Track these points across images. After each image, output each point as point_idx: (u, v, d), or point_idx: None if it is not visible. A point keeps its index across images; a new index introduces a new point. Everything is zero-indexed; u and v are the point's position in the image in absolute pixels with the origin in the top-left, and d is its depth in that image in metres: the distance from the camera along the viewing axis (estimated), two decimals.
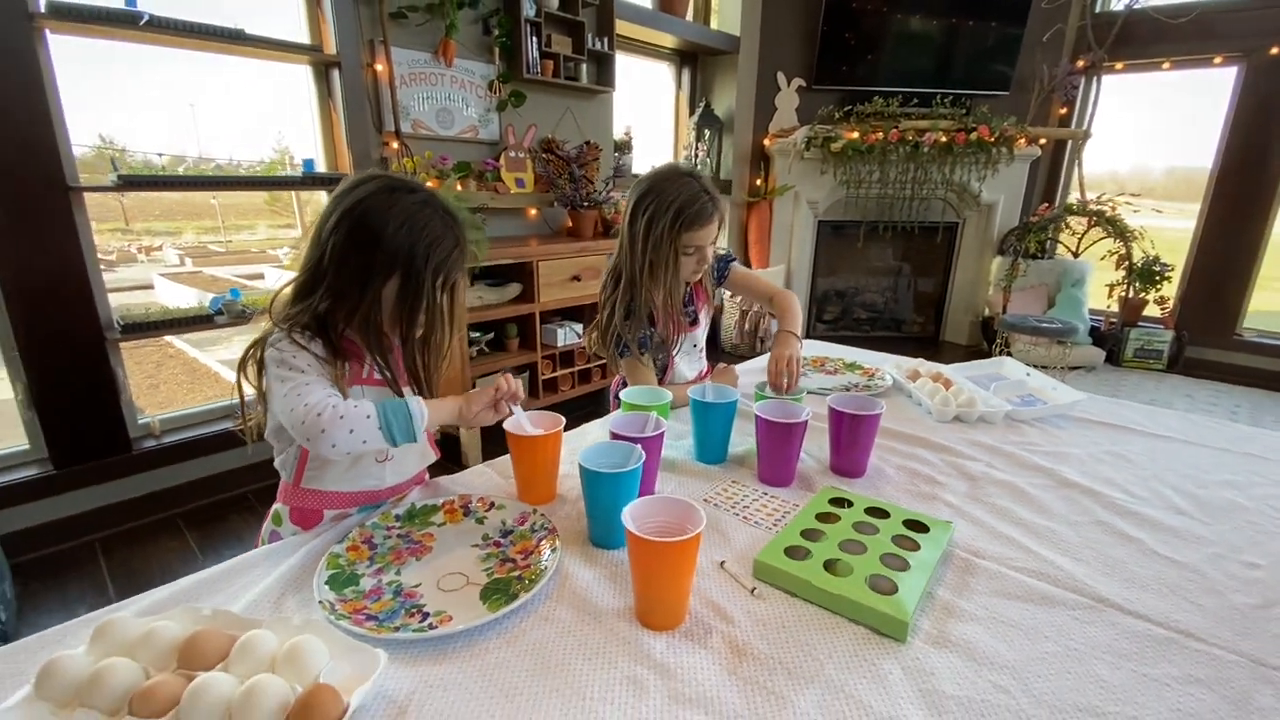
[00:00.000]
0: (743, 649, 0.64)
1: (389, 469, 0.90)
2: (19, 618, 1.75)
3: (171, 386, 4.90)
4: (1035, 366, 3.83)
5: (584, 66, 3.16)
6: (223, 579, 0.73)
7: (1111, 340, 4.17)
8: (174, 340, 5.43)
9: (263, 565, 0.76)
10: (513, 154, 2.96)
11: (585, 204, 3.13)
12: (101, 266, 2.12)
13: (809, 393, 1.34)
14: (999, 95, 4.29)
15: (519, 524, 0.84)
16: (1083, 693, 0.60)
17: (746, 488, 0.99)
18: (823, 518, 0.85)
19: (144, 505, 2.21)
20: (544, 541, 0.79)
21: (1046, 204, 4.47)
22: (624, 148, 3.68)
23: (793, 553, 0.77)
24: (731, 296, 4.17)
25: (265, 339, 0.81)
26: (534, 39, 2.87)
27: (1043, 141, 4.28)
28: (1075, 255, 4.49)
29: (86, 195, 2.00)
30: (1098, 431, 1.23)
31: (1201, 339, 4.15)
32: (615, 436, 0.89)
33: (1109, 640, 0.67)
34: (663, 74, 4.28)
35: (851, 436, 1.01)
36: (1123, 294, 4.21)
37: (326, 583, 0.70)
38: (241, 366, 0.83)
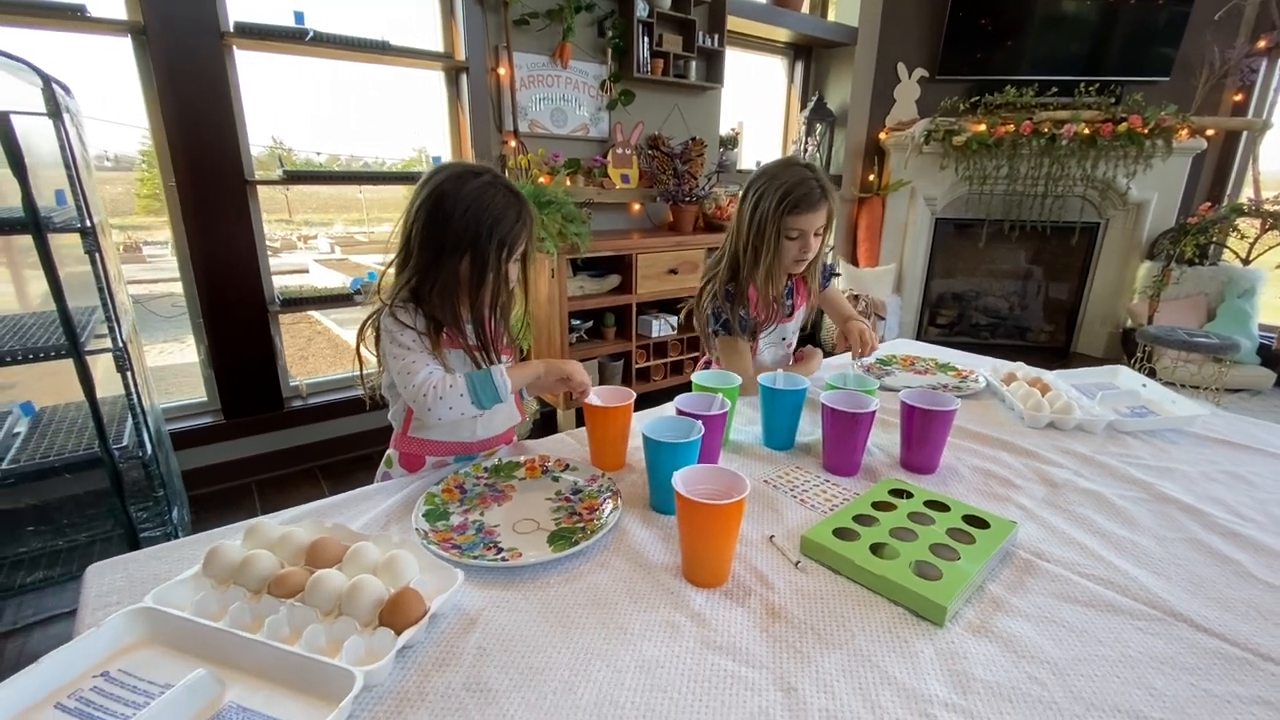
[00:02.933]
0: (778, 611, 0.68)
1: (480, 425, 1.03)
2: None
3: (318, 359, 5.57)
4: (1184, 387, 3.42)
5: (693, 64, 3.22)
6: (344, 504, 0.89)
7: None
8: (321, 318, 6.16)
9: (375, 497, 0.91)
10: (620, 150, 3.08)
11: (687, 199, 3.19)
12: (269, 252, 2.48)
13: (892, 390, 1.33)
14: (1157, 82, 3.84)
15: (589, 485, 0.92)
16: (1127, 696, 0.59)
17: (809, 474, 1.01)
18: (879, 506, 0.86)
19: (291, 456, 2.55)
20: (608, 500, 0.87)
21: (1210, 203, 3.95)
22: (729, 143, 3.70)
23: (842, 534, 0.79)
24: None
25: (379, 313, 0.96)
26: (646, 39, 2.96)
27: (1210, 133, 3.79)
28: (1245, 262, 3.93)
29: (260, 189, 2.35)
30: (1217, 450, 1.12)
31: None
32: (680, 413, 0.95)
33: (1171, 653, 0.64)
34: (774, 68, 4.24)
35: (923, 432, 1.01)
36: None
37: (423, 515, 0.83)
38: (360, 335, 0.98)
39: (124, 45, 2.07)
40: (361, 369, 1.01)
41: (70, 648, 0.58)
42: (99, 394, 1.71)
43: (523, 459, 0.99)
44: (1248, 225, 3.82)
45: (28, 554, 1.90)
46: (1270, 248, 3.80)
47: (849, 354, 1.43)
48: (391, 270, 0.98)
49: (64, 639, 0.58)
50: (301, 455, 2.58)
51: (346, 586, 0.63)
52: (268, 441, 2.51)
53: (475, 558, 0.74)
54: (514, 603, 0.69)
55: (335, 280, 2.76)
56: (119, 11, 2.02)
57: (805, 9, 3.84)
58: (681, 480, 0.72)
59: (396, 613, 0.61)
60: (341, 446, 2.67)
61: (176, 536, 1.92)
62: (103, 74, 2.18)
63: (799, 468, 1.03)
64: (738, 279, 1.32)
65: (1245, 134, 3.90)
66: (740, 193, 1.32)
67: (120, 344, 1.74)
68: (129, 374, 1.79)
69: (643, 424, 0.88)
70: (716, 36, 3.23)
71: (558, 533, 0.81)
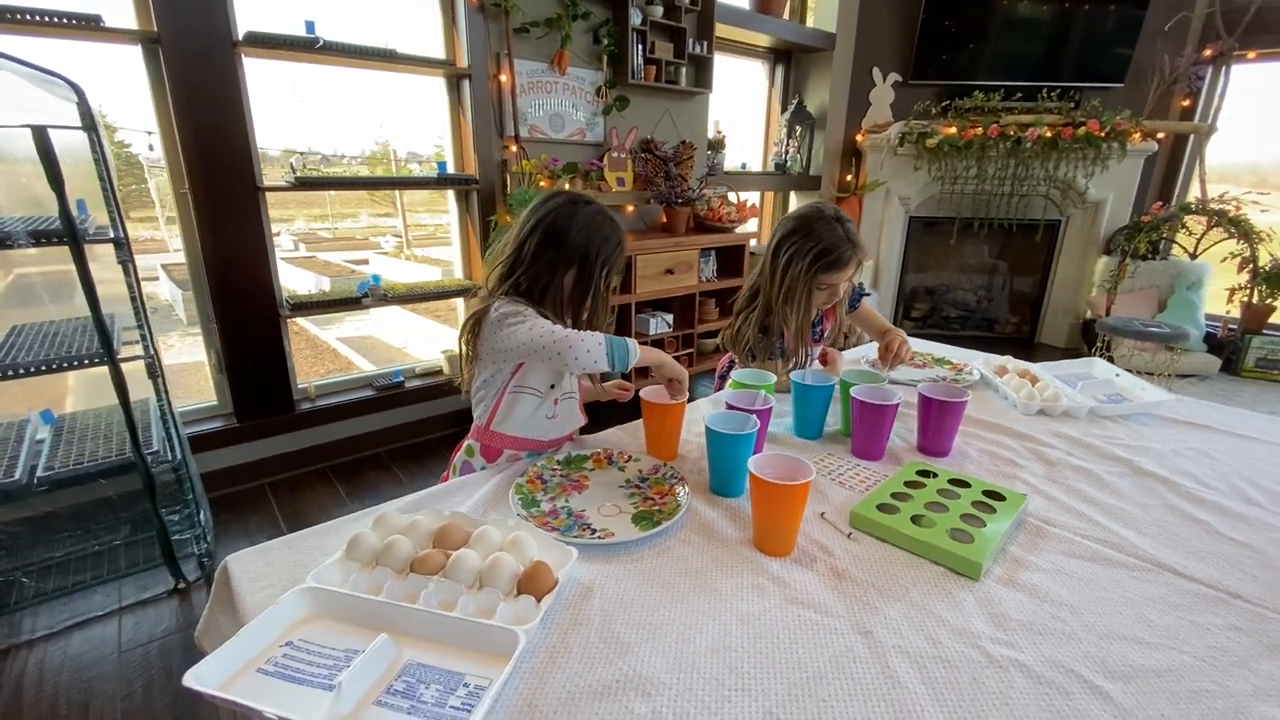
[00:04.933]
0: (842, 573, 0.81)
1: (554, 425, 1.14)
2: (217, 543, 2.15)
3: (299, 360, 5.53)
4: (1140, 373, 3.69)
5: (683, 70, 3.33)
6: (442, 496, 0.98)
7: (1230, 348, 3.93)
8: (299, 319, 6.11)
9: (465, 490, 1.01)
10: (615, 154, 3.18)
11: (679, 201, 3.31)
12: None
13: (898, 383, 1.48)
14: (1112, 88, 4.11)
15: (653, 473, 1.04)
16: (1130, 628, 0.73)
17: (841, 460, 1.15)
18: (910, 484, 1.00)
19: (303, 457, 2.60)
20: (677, 485, 0.99)
21: (1161, 202, 4.24)
22: (717, 146, 3.83)
23: (884, 508, 0.92)
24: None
25: (486, 309, 1.06)
26: (639, 46, 3.06)
27: (1161, 136, 4.07)
28: (1193, 257, 4.25)
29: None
30: (1182, 430, 1.29)
31: None
32: (730, 407, 1.07)
33: (1162, 594, 0.79)
34: (756, 72, 4.38)
35: (939, 421, 1.15)
36: (1245, 299, 3.96)
37: (519, 503, 0.93)
38: (462, 333, 1.09)
39: (131, 53, 2.08)
40: (462, 362, 1.12)
41: (257, 623, 0.67)
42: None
43: (589, 452, 1.10)
44: (1195, 222, 4.13)
45: (59, 559, 1.93)
46: (1215, 243, 4.11)
47: (848, 353, 1.56)
48: (495, 274, 1.10)
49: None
50: (313, 456, 2.63)
51: (486, 562, 0.73)
52: (280, 444, 2.55)
53: (575, 537, 0.85)
54: (619, 574, 0.80)
55: (305, 279, 2.78)
56: (132, 22, 2.03)
57: (786, 15, 3.99)
58: (755, 465, 0.84)
59: (534, 582, 0.72)
60: (351, 447, 2.72)
61: (205, 539, 1.99)
62: (103, 80, 2.19)
63: (831, 454, 1.17)
64: (769, 317, 1.41)
65: (1193, 137, 4.20)
66: (773, 241, 1.37)
67: (152, 352, 1.79)
68: (160, 380, 1.84)
69: (703, 416, 1.00)
70: (705, 44, 3.35)
71: (640, 514, 0.92)
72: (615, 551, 0.85)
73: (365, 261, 8.50)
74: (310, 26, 2.26)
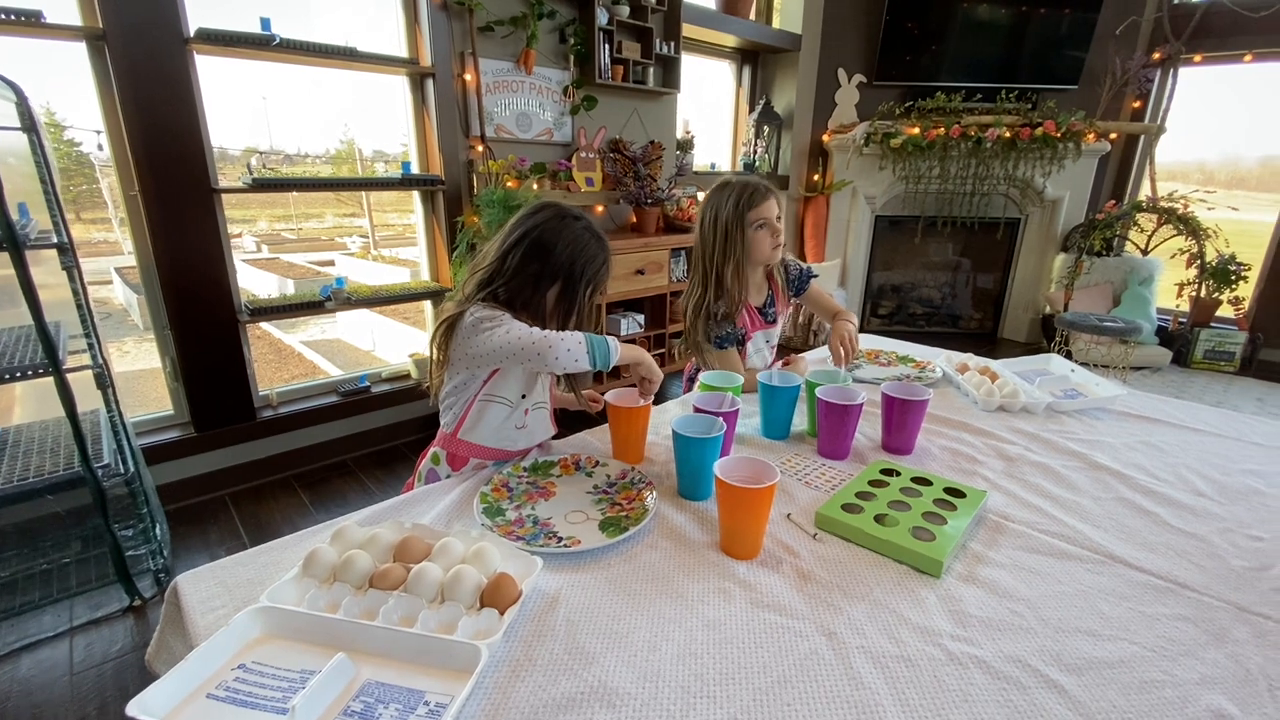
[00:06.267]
0: (807, 575, 0.82)
1: (522, 435, 1.12)
2: (174, 557, 2.08)
3: (261, 365, 5.39)
4: (1096, 366, 3.81)
5: (651, 70, 3.33)
6: (404, 506, 0.96)
7: (1180, 341, 4.09)
8: (263, 323, 5.95)
9: (428, 499, 0.99)
10: (584, 154, 3.17)
11: (649, 201, 3.31)
12: None
13: (863, 382, 1.50)
14: (1067, 89, 4.23)
15: (620, 478, 1.04)
16: (1084, 620, 0.75)
17: (807, 460, 1.16)
18: (874, 483, 1.01)
19: (265, 466, 2.53)
20: (644, 490, 0.98)
21: (1114, 200, 4.39)
22: (686, 146, 3.84)
23: (849, 508, 0.93)
24: (802, 309, 4.30)
25: (460, 314, 1.03)
26: (606, 46, 3.05)
27: (1113, 136, 4.21)
28: (1145, 253, 4.40)
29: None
30: (1134, 424, 1.33)
31: (1279, 340, 4.03)
32: (698, 410, 1.07)
33: (1113, 586, 0.81)
34: (724, 72, 4.40)
35: (901, 419, 1.16)
36: (1194, 293, 4.12)
37: (483, 513, 0.91)
38: (434, 338, 1.06)
39: (77, 50, 2.00)
40: (432, 367, 1.09)
41: (207, 646, 0.65)
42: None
43: (556, 458, 1.09)
44: (1146, 220, 4.28)
45: (5, 578, 1.84)
46: (1165, 239, 4.27)
47: (814, 353, 1.58)
48: (472, 281, 1.08)
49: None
50: (276, 465, 2.56)
51: (448, 575, 0.72)
52: (241, 453, 2.48)
53: (541, 546, 0.84)
54: (585, 582, 0.79)
55: (268, 281, 2.71)
56: (76, 18, 1.95)
57: (752, 16, 4.01)
58: (720, 469, 0.84)
59: (497, 595, 0.71)
60: (316, 455, 2.66)
61: (162, 554, 1.93)
62: (50, 76, 2.10)
63: (797, 454, 1.17)
64: (721, 295, 1.45)
65: (1143, 137, 4.35)
66: (698, 220, 1.47)
67: (101, 361, 1.72)
68: (110, 391, 1.77)
69: (670, 421, 0.99)
70: (672, 44, 3.35)
71: (606, 521, 0.91)
72: (582, 560, 0.84)
73: (331, 263, 8.30)
74: (265, 24, 2.20)
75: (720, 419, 1.01)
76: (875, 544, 0.87)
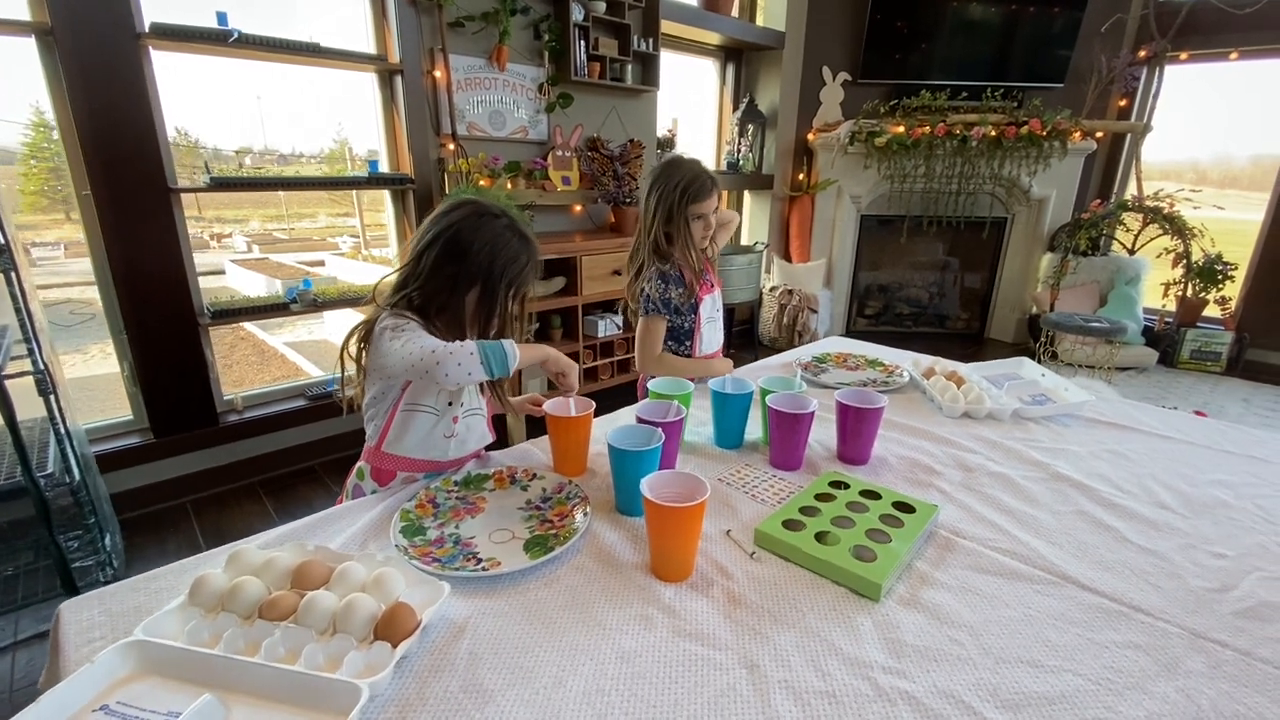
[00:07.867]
0: (738, 599, 0.77)
1: (453, 444, 1.06)
2: (127, 567, 2.02)
3: (244, 367, 5.32)
4: (1082, 367, 3.76)
5: (629, 67, 3.28)
6: (319, 525, 0.91)
7: (1166, 341, 4.05)
8: (245, 324, 5.88)
9: (348, 516, 0.93)
10: (560, 153, 3.11)
11: (627, 200, 3.25)
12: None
13: (826, 387, 1.45)
14: (1053, 88, 4.19)
15: (556, 492, 0.98)
16: (1028, 649, 0.70)
17: (758, 470, 1.10)
18: (821, 497, 0.96)
19: (228, 472, 2.47)
20: (577, 507, 0.93)
21: (1100, 199, 4.35)
22: (667, 144, 3.78)
23: (790, 525, 0.88)
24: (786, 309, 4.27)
25: (374, 320, 0.98)
26: (582, 43, 3.00)
27: (1099, 135, 4.17)
28: (1131, 252, 4.36)
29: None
30: (1103, 430, 1.29)
31: (1265, 340, 4.00)
32: (640, 420, 1.02)
33: (1063, 609, 0.77)
34: (707, 70, 4.35)
35: (856, 427, 1.11)
36: (1180, 293, 4.08)
37: (400, 532, 0.86)
38: (345, 345, 1.01)
39: (26, 45, 1.93)
40: (343, 375, 1.03)
41: (67, 684, 0.59)
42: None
43: (491, 470, 1.04)
44: (1132, 219, 4.24)
45: None
46: (1151, 239, 4.23)
47: (784, 355, 1.56)
48: (388, 283, 1.03)
49: None
50: (240, 471, 2.50)
51: (340, 605, 0.67)
52: (203, 459, 2.42)
53: (456, 569, 0.79)
54: (498, 609, 0.74)
55: (257, 283, 2.66)
56: (22, 12, 1.89)
57: (735, 13, 3.96)
58: (648, 486, 0.79)
59: (391, 626, 0.65)
60: (282, 460, 2.60)
61: (111, 565, 1.86)
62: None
63: (749, 465, 1.12)
64: (669, 262, 1.47)
65: (1129, 136, 4.31)
66: (644, 194, 1.49)
67: (41, 365, 1.66)
68: (53, 397, 1.71)
69: (606, 433, 0.94)
70: (651, 40, 3.30)
71: (533, 540, 0.86)
72: (499, 584, 0.79)
73: (321, 263, 8.21)
74: (222, 19, 2.14)
75: (660, 430, 0.96)
76: (814, 564, 0.82)
